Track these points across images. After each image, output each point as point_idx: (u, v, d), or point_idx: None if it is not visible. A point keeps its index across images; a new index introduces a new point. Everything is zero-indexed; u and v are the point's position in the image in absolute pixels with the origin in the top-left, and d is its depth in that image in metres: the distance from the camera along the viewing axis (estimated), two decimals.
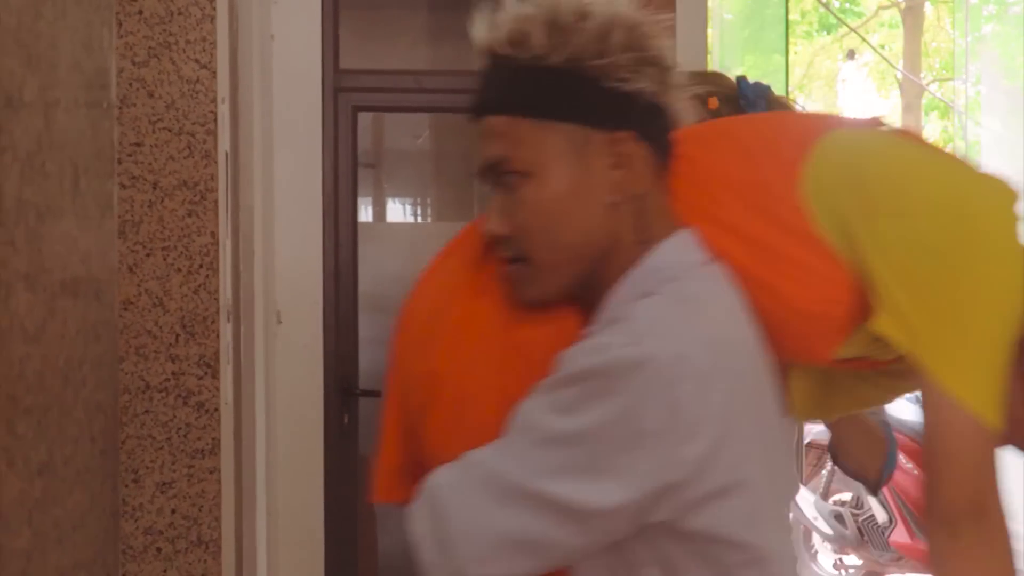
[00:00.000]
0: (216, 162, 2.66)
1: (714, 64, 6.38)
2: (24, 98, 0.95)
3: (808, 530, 6.31)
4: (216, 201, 2.68)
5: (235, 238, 2.93)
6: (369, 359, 4.69)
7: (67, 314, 1.18)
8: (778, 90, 2.40)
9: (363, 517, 4.79)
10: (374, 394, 4.66)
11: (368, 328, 4.66)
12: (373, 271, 4.70)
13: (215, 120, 2.66)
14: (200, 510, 2.74)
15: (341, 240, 4.55)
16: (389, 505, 1.61)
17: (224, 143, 2.72)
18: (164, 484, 2.71)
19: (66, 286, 1.23)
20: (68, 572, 1.16)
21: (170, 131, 2.64)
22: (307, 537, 4.56)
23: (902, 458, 5.87)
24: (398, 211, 5.36)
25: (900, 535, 5.90)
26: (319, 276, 4.53)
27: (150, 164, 2.64)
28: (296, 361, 4.52)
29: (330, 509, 4.62)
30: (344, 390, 4.64)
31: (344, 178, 4.52)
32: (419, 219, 5.37)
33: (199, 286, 2.68)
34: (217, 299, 2.71)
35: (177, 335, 2.69)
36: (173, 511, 2.72)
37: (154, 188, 2.65)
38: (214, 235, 2.68)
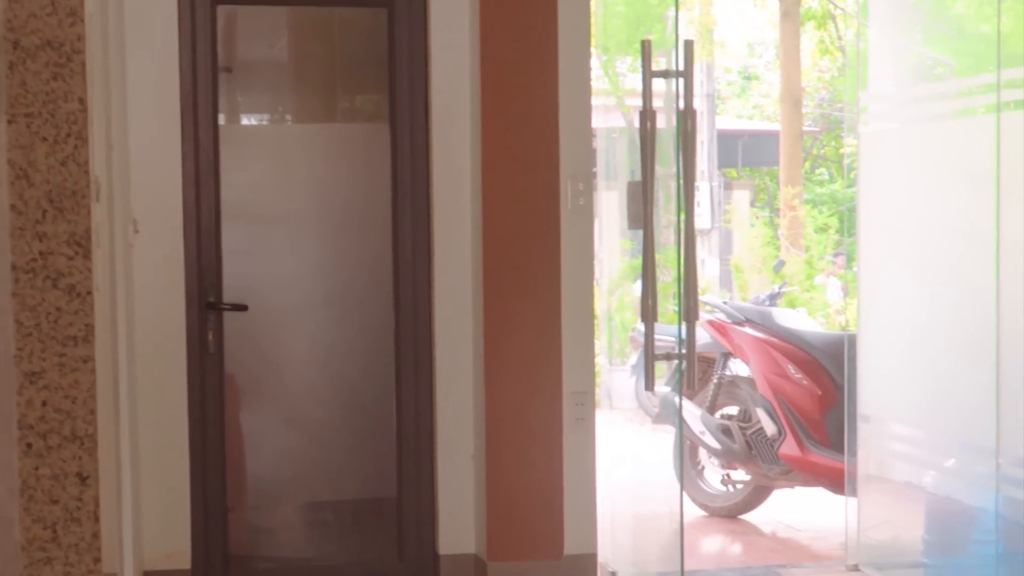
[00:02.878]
0: (83, 21, 2.44)
1: None
2: None
3: (695, 445, 6.11)
4: (84, 64, 2.46)
5: (106, 107, 2.71)
6: (232, 272, 4.47)
7: None
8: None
9: (230, 437, 4.59)
10: (240, 308, 4.46)
11: (231, 238, 4.44)
12: (232, 177, 4.47)
13: None
14: (74, 403, 2.53)
15: (201, 143, 4.32)
16: None
17: (91, 1, 2.49)
18: (33, 374, 2.50)
19: None
20: None
21: None
22: (172, 455, 4.36)
23: (791, 368, 5.77)
24: (254, 119, 5.14)
25: (789, 447, 5.73)
26: (179, 181, 4.29)
27: (9, 21, 2.41)
28: (156, 273, 4.28)
29: (195, 429, 4.41)
30: (208, 304, 4.43)
31: (203, 77, 4.29)
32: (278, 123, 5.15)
33: (67, 157, 2.47)
34: (87, 172, 2.49)
35: (44, 211, 2.47)
36: (44, 403, 2.51)
37: (15, 48, 2.41)
38: (83, 101, 2.46)
